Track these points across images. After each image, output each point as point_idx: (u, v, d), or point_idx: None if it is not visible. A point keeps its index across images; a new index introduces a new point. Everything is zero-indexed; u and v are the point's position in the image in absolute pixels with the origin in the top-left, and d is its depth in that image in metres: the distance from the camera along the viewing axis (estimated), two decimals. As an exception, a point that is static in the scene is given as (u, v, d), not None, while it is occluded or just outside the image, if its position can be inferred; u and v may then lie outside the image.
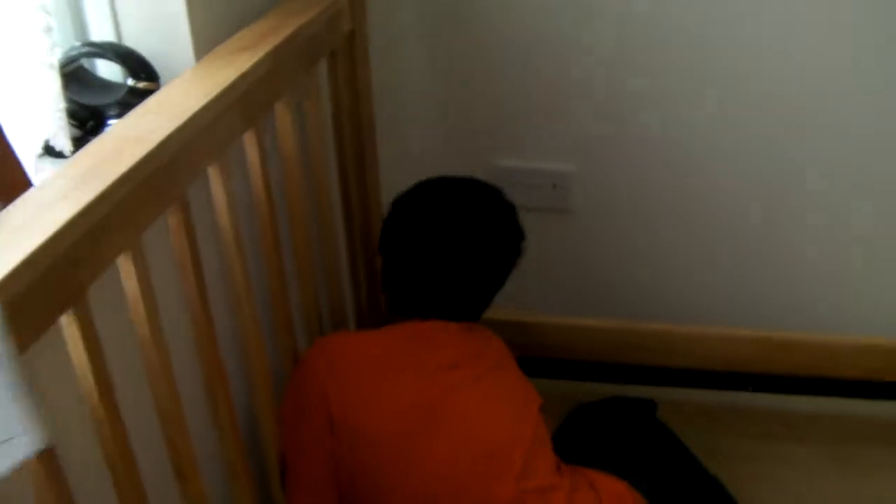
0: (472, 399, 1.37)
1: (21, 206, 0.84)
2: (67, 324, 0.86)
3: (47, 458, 0.80)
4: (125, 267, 0.95)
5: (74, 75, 1.21)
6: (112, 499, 0.97)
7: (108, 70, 1.24)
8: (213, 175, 1.13)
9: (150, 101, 1.05)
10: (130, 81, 1.20)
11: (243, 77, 1.10)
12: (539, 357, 1.90)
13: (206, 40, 1.21)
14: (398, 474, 1.33)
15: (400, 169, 1.52)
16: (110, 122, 1.22)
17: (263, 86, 1.18)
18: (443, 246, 1.42)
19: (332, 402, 1.34)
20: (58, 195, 0.85)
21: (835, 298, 1.93)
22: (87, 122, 1.21)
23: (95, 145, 0.95)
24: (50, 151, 1.18)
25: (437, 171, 1.52)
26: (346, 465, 1.34)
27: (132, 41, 1.22)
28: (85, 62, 1.23)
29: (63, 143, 1.18)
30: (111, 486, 0.95)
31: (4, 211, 0.84)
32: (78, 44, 1.21)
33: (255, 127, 1.22)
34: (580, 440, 1.70)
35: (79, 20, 1.23)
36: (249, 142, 1.23)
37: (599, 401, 1.82)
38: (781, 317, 1.94)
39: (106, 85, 1.22)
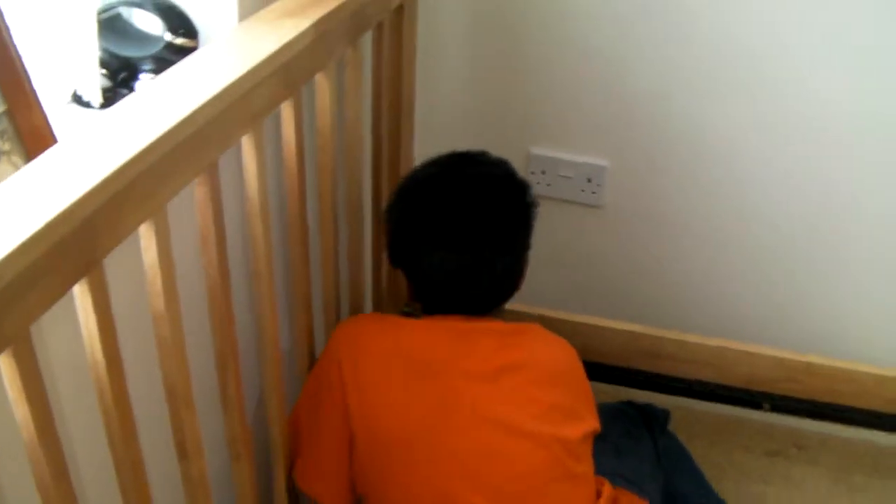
0: (500, 418, 1.27)
1: (43, 164, 0.80)
2: (81, 294, 0.82)
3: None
4: (146, 237, 0.90)
5: (111, 24, 1.16)
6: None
7: (146, 22, 1.19)
8: (247, 145, 1.07)
9: (189, 63, 0.99)
10: (168, 36, 1.15)
11: (288, 46, 1.04)
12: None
13: (251, 1, 1.16)
14: (407, 477, 1.27)
15: (434, 151, 1.46)
16: (143, 75, 1.17)
17: (306, 56, 1.12)
18: (451, 220, 1.31)
19: (350, 393, 1.27)
20: (83, 158, 0.80)
21: (860, 329, 1.88)
22: (119, 73, 1.16)
23: (127, 106, 0.90)
24: (78, 101, 1.13)
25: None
26: (360, 458, 1.29)
27: (174, -6, 1.16)
28: (124, 11, 1.18)
29: (92, 93, 1.14)
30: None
31: (27, 167, 0.80)
32: (118, -8, 1.17)
33: (294, 97, 1.16)
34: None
35: (121, -33, 1.18)
36: (287, 112, 1.17)
37: (613, 403, 1.76)
38: (805, 341, 1.89)
39: (143, 37, 1.17)
